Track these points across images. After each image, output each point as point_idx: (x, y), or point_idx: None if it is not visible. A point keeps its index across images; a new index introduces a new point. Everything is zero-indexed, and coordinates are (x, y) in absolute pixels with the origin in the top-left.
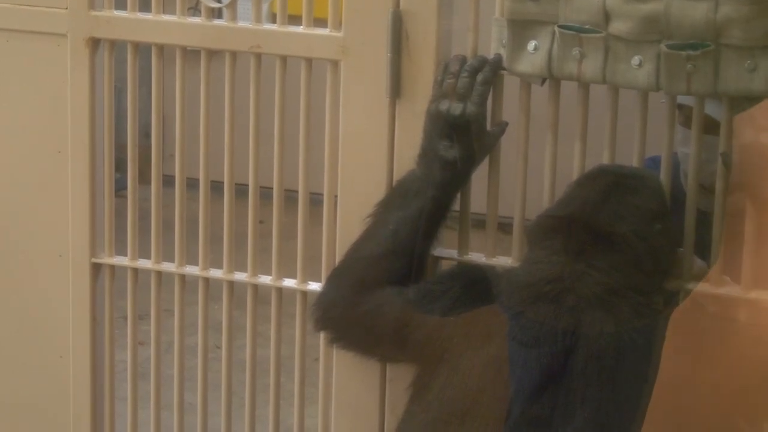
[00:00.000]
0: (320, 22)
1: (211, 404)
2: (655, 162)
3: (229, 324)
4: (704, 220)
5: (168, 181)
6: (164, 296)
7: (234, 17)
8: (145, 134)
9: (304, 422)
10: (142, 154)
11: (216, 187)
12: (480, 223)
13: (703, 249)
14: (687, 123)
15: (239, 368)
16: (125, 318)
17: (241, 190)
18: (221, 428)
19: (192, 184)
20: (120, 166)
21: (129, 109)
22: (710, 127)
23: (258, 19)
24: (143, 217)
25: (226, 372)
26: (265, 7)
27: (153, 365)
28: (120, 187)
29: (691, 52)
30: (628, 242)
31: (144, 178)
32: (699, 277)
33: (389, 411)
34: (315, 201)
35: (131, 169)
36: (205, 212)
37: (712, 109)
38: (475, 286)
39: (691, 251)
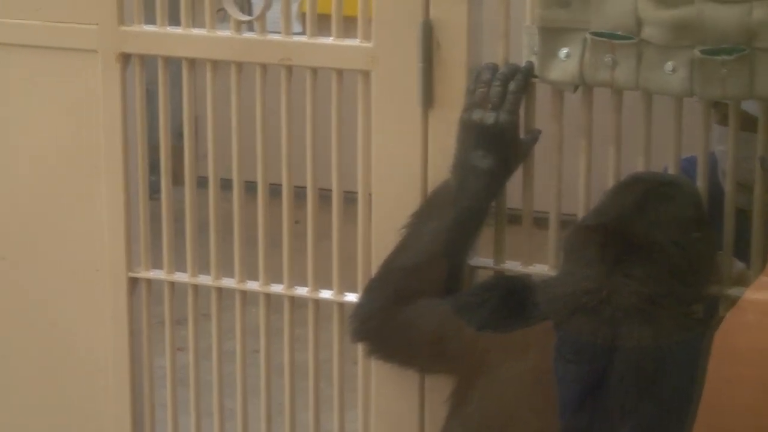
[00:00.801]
0: (350, 21)
1: (251, 409)
2: (690, 162)
3: (267, 332)
4: (744, 219)
5: (201, 181)
6: (201, 301)
7: (263, 30)
8: (178, 134)
9: (345, 427)
10: (175, 154)
11: (249, 187)
12: (514, 219)
13: (744, 250)
14: (723, 121)
15: (278, 373)
16: (163, 323)
17: (276, 191)
18: None
19: (225, 184)
20: (154, 168)
21: (161, 121)
22: (747, 123)
23: (287, 31)
24: (178, 218)
25: (265, 377)
26: (294, 6)
27: (192, 371)
28: (155, 190)
29: (726, 57)
30: (664, 250)
31: (177, 179)
32: (739, 280)
33: (429, 420)
34: (349, 207)
35: (165, 180)
36: (240, 222)
37: (749, 105)
38: (512, 298)
39: (730, 252)
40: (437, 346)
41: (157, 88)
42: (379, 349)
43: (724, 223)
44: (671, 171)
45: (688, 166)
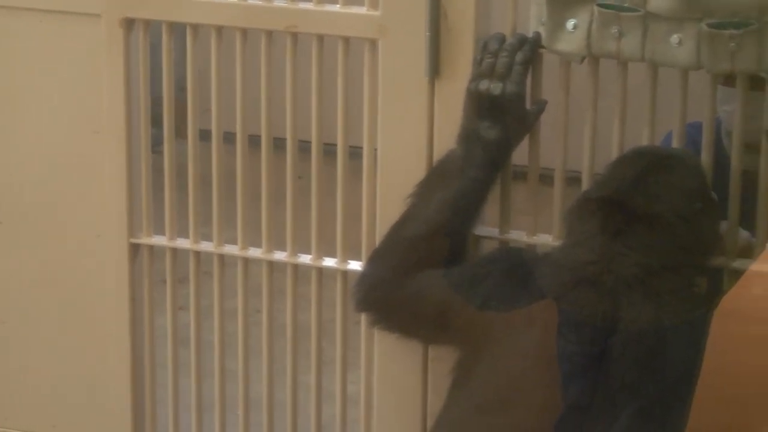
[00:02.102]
0: None
1: (252, 371)
2: (694, 127)
3: (269, 295)
4: (749, 182)
5: (203, 135)
6: (203, 258)
7: None
8: (180, 88)
9: (347, 388)
10: (178, 108)
11: (252, 141)
12: (520, 175)
13: (749, 215)
14: (728, 82)
15: (280, 333)
16: (164, 281)
17: (278, 145)
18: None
19: (227, 138)
20: (156, 120)
21: (165, 86)
22: (753, 82)
23: None
24: (180, 173)
25: (267, 337)
26: None
27: (193, 331)
28: (156, 143)
29: (734, 31)
30: (666, 222)
31: (179, 131)
32: (744, 250)
33: (432, 385)
34: (353, 164)
35: (167, 147)
36: (243, 183)
37: None
38: (515, 271)
39: (737, 220)
40: (441, 318)
41: (160, 42)
42: (383, 320)
43: (730, 188)
44: (676, 139)
45: (692, 132)
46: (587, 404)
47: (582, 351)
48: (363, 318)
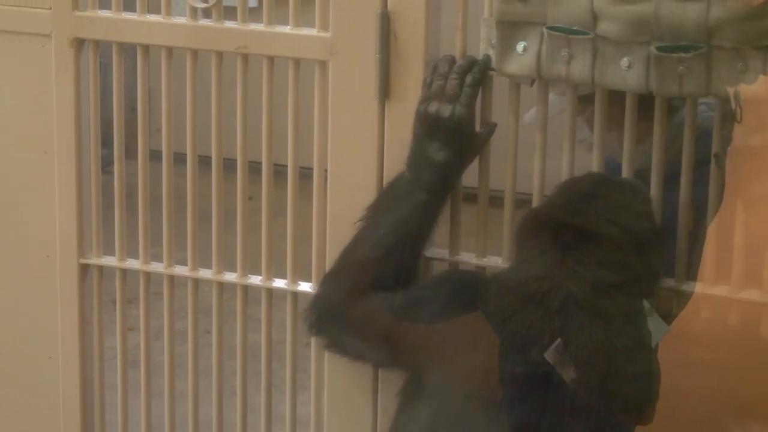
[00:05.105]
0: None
1: (202, 392)
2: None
3: (219, 315)
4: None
5: (153, 155)
6: (153, 278)
7: (220, 17)
8: (130, 108)
9: (297, 410)
10: (128, 129)
11: (202, 162)
12: (470, 198)
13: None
14: (591, 119)
15: (230, 354)
16: (114, 302)
17: (229, 165)
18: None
19: (177, 158)
20: (106, 141)
21: (115, 106)
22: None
23: (244, 19)
24: (130, 193)
25: (217, 358)
26: None
27: (142, 352)
28: (106, 163)
29: (683, 55)
30: (615, 241)
31: (130, 151)
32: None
33: (381, 405)
34: (304, 184)
35: (118, 166)
36: (194, 211)
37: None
38: (464, 292)
39: (686, 243)
40: (389, 342)
41: (110, 61)
42: (335, 343)
43: (680, 198)
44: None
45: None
46: (533, 427)
47: (528, 372)
48: (313, 340)
